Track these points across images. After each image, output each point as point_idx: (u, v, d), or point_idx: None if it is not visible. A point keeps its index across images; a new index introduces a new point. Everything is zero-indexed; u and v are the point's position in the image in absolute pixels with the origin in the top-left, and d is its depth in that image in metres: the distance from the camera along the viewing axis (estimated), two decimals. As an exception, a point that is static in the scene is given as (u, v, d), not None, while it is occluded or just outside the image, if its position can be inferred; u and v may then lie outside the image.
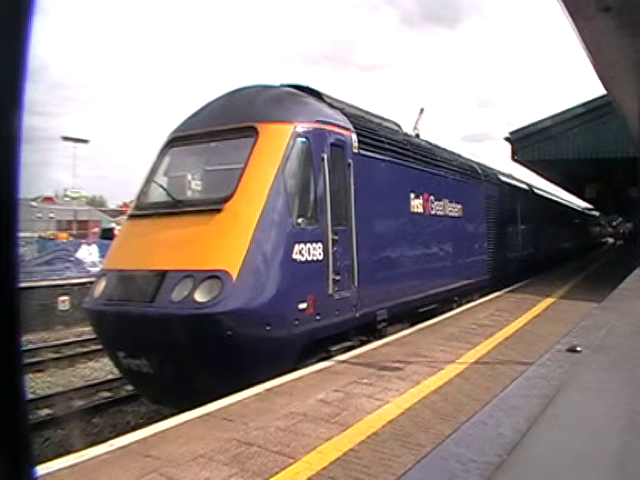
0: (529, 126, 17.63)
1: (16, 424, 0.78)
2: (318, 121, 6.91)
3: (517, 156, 18.00)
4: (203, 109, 7.40)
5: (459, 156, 13.04)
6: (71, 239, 36.21)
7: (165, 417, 4.68)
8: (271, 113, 6.64)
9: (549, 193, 25.40)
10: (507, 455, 2.18)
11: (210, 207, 6.04)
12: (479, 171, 13.76)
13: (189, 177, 6.90)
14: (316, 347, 6.52)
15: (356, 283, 7.16)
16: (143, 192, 6.99)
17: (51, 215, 54.93)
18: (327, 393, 5.05)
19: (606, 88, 10.94)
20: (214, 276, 5.51)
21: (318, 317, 6.37)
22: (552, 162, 17.94)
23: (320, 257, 6.49)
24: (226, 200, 5.96)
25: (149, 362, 5.75)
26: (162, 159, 7.16)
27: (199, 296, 5.44)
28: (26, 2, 0.74)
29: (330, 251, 6.65)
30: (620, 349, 4.60)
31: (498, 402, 3.28)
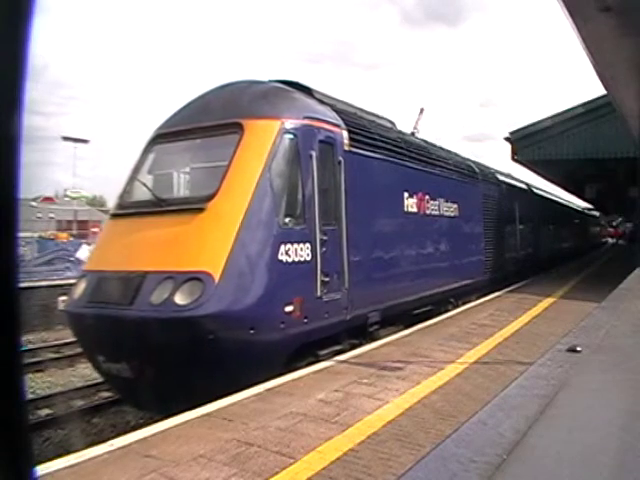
0: (529, 126, 17.64)
1: (16, 424, 0.78)
2: (307, 117, 6.69)
3: (517, 156, 18.01)
4: (189, 105, 7.18)
5: (455, 155, 12.84)
6: (71, 239, 36.21)
7: (165, 417, 4.67)
8: (257, 109, 6.43)
9: (548, 193, 25.33)
10: (507, 455, 2.18)
11: (193, 206, 5.86)
12: (476, 170, 13.54)
13: (172, 175, 6.75)
14: (305, 351, 6.32)
15: (346, 285, 6.96)
16: (126, 191, 6.79)
17: (51, 215, 54.88)
18: (327, 393, 5.04)
19: (606, 88, 10.96)
20: (195, 278, 5.32)
21: (306, 320, 6.17)
22: (552, 162, 17.95)
23: (308, 258, 6.29)
24: (209, 199, 5.78)
25: (129, 366, 5.58)
26: (146, 156, 6.96)
27: (179, 298, 5.26)
28: (26, 2, 0.74)
29: (318, 252, 6.44)
30: (620, 349, 4.61)
31: (498, 402, 3.28)
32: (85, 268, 6.63)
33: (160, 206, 6.10)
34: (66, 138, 50.29)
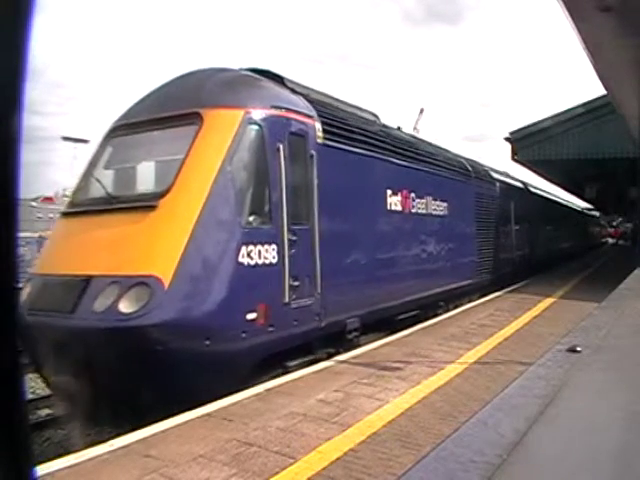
0: (529, 126, 17.66)
1: (16, 424, 0.78)
2: (275, 107, 6.19)
3: (517, 156, 18.04)
4: (150, 95, 6.64)
5: (446, 151, 12.36)
6: (71, 239, 36.04)
7: (165, 417, 4.67)
8: (219, 97, 5.96)
9: (547, 192, 25.12)
10: (507, 455, 2.18)
11: (144, 204, 5.38)
12: (469, 168, 12.97)
13: (127, 170, 6.32)
14: (272, 362, 5.85)
15: (319, 289, 6.45)
16: (79, 187, 6.33)
17: (51, 215, 54.84)
18: (327, 393, 5.04)
19: (606, 88, 10.97)
20: (142, 282, 4.86)
21: (271, 328, 5.68)
22: (552, 162, 17.97)
23: (274, 260, 5.80)
24: (162, 196, 5.32)
25: (74, 380, 5.08)
26: (102, 150, 6.47)
27: (124, 306, 4.81)
28: (26, 2, 0.74)
29: (286, 253, 5.93)
30: (620, 349, 4.61)
31: (498, 402, 3.29)
32: (31, 271, 6.10)
33: (111, 204, 5.63)
34: (66, 138, 50.37)
